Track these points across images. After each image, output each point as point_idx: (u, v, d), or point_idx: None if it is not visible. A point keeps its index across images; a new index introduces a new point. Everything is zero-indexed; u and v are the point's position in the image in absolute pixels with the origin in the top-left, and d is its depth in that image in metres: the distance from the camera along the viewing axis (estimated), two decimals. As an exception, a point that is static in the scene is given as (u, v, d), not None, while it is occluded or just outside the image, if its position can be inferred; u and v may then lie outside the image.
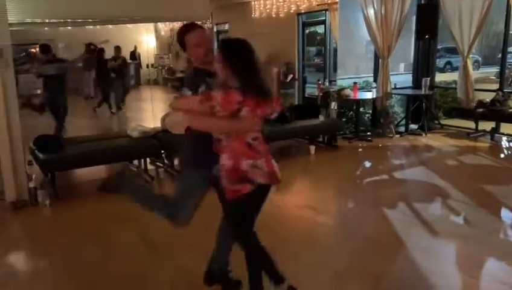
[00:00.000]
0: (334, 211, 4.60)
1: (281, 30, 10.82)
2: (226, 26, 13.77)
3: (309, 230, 3.94)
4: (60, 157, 4.68)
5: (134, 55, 15.59)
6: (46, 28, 12.09)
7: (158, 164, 5.76)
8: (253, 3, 11.78)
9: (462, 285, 3.03)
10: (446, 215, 4.27)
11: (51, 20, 5.58)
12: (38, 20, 5.37)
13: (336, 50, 9.71)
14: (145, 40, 16.73)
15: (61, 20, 5.65)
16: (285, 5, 10.72)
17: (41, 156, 4.63)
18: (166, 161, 5.66)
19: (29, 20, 5.40)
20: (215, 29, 13.88)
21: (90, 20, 5.81)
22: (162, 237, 3.69)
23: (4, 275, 3.25)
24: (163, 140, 5.18)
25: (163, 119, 2.61)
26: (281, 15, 10.89)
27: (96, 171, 5.34)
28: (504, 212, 4.31)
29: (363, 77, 9.60)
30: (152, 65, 16.46)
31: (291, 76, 10.60)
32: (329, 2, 9.14)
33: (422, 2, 7.58)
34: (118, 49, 11.70)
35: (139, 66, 16.27)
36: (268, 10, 11.33)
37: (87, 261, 3.34)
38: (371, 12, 7.15)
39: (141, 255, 3.45)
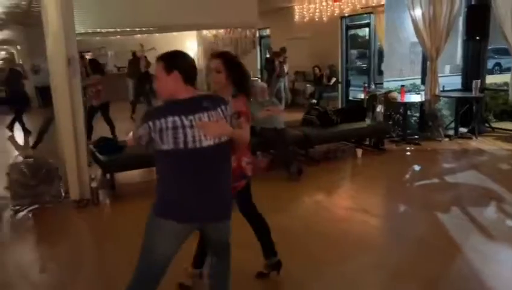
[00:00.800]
0: (385, 213, 4.61)
1: (323, 33, 10.85)
2: (268, 31, 13.96)
3: (361, 231, 3.96)
4: (120, 158, 4.95)
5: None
6: (97, 38, 12.72)
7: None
8: (295, 7, 11.87)
9: (522, 289, 2.99)
10: (501, 219, 4.19)
11: (103, 30, 5.88)
12: (90, 30, 5.69)
13: (380, 53, 9.64)
14: (188, 46, 17.16)
15: (111, 30, 5.92)
16: (328, 9, 10.74)
17: (103, 157, 4.91)
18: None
19: (82, 30, 5.73)
20: (257, 34, 14.06)
21: (144, 28, 6.09)
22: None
23: (70, 269, 3.50)
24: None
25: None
26: (324, 19, 10.91)
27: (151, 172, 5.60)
28: None
29: (406, 79, 9.46)
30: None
31: (334, 79, 10.61)
32: (374, 5, 9.10)
33: (473, 2, 7.40)
34: None
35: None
36: (311, 14, 11.38)
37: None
38: (418, 13, 7.07)
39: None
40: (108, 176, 5.08)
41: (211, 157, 2.11)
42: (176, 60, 2.15)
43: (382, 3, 8.81)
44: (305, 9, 11.54)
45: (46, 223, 4.41)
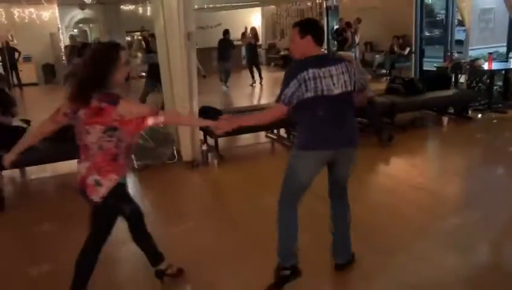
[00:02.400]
0: (481, 175, 4.71)
1: (396, 2, 10.72)
2: (335, 1, 13.88)
3: (460, 190, 4.23)
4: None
5: (244, 36, 16.35)
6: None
7: (271, 136, 6.34)
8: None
9: None
10: None
11: (217, 5, 6.15)
12: (205, 6, 6.05)
13: (460, 21, 9.41)
14: (253, 20, 17.39)
15: (224, 5, 6.20)
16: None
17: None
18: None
19: (196, 7, 6.04)
20: (324, 5, 14.03)
21: (250, 3, 6.37)
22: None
23: (193, 211, 4.02)
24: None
25: None
26: (396, -13, 10.75)
27: (248, 138, 6.09)
28: None
29: (475, 48, 9.19)
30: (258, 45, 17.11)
31: (408, 49, 10.53)
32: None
33: None
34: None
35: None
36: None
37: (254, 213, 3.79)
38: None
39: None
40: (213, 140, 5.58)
41: (340, 101, 2.58)
42: (309, 26, 2.65)
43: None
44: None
45: (165, 179, 4.96)
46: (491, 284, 2.69)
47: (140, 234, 2.70)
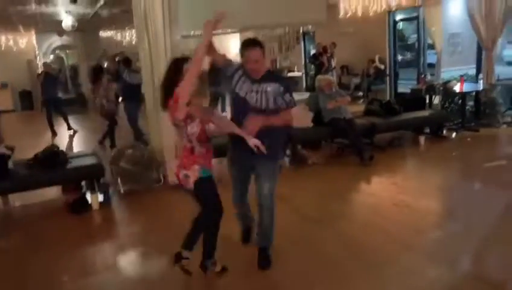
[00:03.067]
0: (461, 189, 4.89)
1: (370, 28, 11.17)
2: (310, 27, 14.28)
3: (441, 205, 4.38)
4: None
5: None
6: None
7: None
8: (340, 4, 12.18)
9: None
10: None
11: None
12: (185, 33, 6.17)
13: (431, 45, 9.87)
14: (232, 45, 17.68)
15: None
16: (374, 5, 11.03)
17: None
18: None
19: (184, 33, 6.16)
20: (301, 30, 14.44)
21: (230, 30, 6.57)
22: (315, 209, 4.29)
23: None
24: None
25: None
26: (370, 14, 11.21)
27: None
28: None
29: (445, 71, 9.67)
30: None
31: (383, 66, 10.95)
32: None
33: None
34: None
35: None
36: (355, 11, 11.67)
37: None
38: (474, 4, 7.33)
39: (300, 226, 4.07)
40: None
41: None
42: (262, 45, 3.01)
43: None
44: (348, 5, 11.82)
45: (154, 203, 4.93)
46: (474, 293, 2.82)
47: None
